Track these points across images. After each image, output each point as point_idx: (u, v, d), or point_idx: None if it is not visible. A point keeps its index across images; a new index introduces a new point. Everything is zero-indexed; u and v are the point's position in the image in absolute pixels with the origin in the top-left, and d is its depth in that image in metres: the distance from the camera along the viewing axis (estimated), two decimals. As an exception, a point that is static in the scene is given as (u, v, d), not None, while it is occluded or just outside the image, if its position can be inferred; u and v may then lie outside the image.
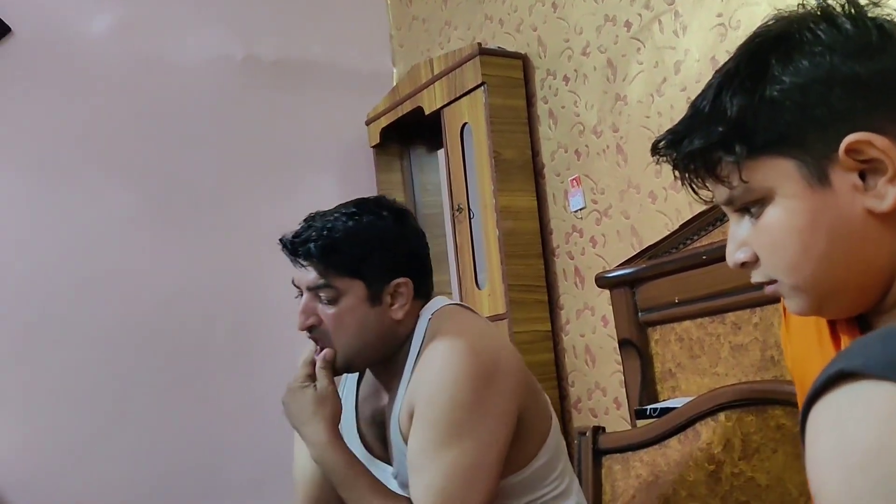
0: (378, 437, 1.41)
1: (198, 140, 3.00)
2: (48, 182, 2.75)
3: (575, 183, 2.61)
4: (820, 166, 0.71)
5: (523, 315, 2.62)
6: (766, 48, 0.74)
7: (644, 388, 2.00)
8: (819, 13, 0.73)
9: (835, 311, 0.79)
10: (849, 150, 0.70)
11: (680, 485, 1.44)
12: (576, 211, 2.62)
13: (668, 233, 2.12)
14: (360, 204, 1.38)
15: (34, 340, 2.64)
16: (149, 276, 2.83)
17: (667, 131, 0.79)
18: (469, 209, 2.79)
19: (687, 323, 1.95)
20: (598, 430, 1.63)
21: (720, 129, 0.73)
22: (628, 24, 2.42)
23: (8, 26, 2.74)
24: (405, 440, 1.30)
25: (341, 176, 3.27)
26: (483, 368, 1.25)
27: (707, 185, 0.78)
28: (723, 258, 1.91)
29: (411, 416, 1.27)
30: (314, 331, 1.33)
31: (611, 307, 2.16)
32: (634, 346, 2.03)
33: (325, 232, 1.31)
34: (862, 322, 0.80)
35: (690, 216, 2.10)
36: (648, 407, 1.81)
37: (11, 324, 2.62)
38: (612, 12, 2.47)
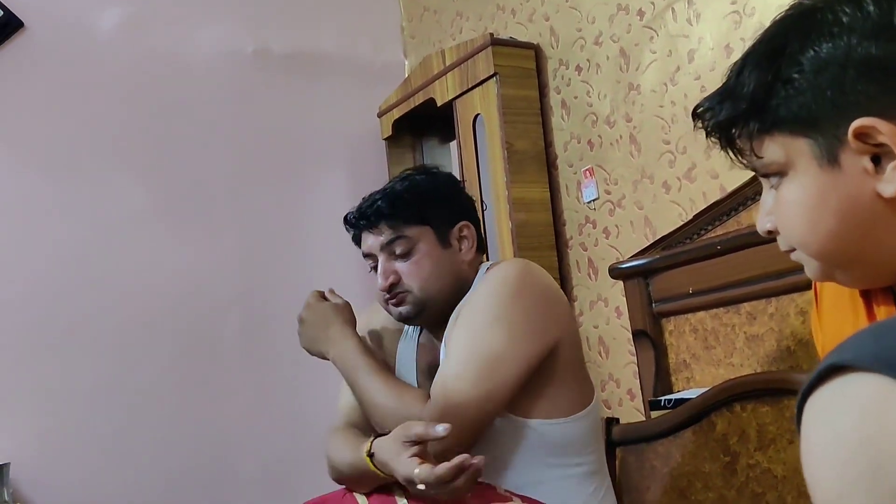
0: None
1: (209, 134, 3.00)
2: (60, 177, 2.75)
3: (588, 174, 2.60)
4: (831, 147, 0.72)
5: (536, 307, 2.61)
6: (788, 27, 0.76)
7: (658, 380, 1.98)
8: None
9: (849, 281, 0.81)
10: (857, 135, 0.71)
11: (695, 476, 1.43)
12: (589, 202, 2.60)
13: (682, 223, 2.11)
14: (411, 170, 1.51)
15: (46, 337, 2.65)
16: (161, 272, 2.83)
17: (705, 98, 0.83)
18: (482, 201, 2.78)
19: (701, 313, 1.94)
20: (611, 422, 1.63)
21: (740, 104, 0.77)
22: (641, 13, 2.40)
23: (21, 21, 2.74)
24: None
25: (353, 168, 3.27)
26: (532, 283, 1.34)
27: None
28: (737, 248, 1.90)
29: (457, 320, 1.36)
30: (393, 289, 1.41)
31: (624, 298, 2.15)
32: (648, 337, 2.02)
33: (385, 193, 1.43)
34: None
35: (704, 206, 2.08)
36: (663, 398, 1.80)
37: (25, 320, 2.63)
38: (624, 1, 2.45)
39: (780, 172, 0.77)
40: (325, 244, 2.94)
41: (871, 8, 0.71)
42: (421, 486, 1.15)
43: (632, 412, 2.39)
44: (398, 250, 1.41)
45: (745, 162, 0.82)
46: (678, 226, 2.11)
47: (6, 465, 2.33)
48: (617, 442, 1.60)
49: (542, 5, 2.77)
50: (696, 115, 0.84)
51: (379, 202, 1.42)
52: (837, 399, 0.48)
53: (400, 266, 1.41)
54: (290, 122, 3.15)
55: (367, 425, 1.42)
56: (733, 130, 0.78)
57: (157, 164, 2.90)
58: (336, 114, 3.24)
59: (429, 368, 1.47)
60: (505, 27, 2.92)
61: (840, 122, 0.71)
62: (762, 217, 0.83)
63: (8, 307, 2.61)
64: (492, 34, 2.75)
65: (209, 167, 2.98)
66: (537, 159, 2.71)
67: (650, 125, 2.38)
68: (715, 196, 2.11)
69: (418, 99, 3.05)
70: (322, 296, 1.51)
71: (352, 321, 1.47)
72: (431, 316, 1.44)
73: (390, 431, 1.25)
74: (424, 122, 3.24)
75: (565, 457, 1.35)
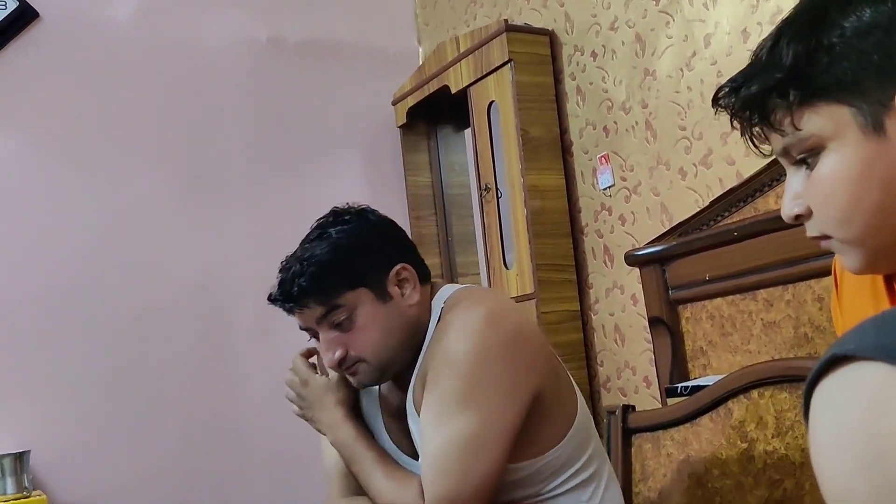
0: (405, 431, 1.38)
1: (223, 123, 3.01)
2: (76, 166, 2.77)
3: (603, 160, 2.58)
4: (875, 114, 0.70)
5: (552, 295, 2.61)
6: None
7: (675, 367, 1.98)
8: None
9: (888, 265, 0.78)
10: None
11: (712, 463, 1.43)
12: (604, 189, 2.59)
13: (699, 209, 2.09)
14: (321, 225, 1.35)
15: (64, 325, 2.68)
16: (177, 260, 2.85)
17: (727, 80, 0.79)
18: (497, 188, 2.77)
19: (718, 300, 1.93)
20: (627, 409, 1.62)
21: (777, 75, 0.73)
22: (657, -2, 2.38)
23: (36, 11, 2.76)
24: (419, 413, 1.29)
25: (368, 157, 3.27)
26: (498, 341, 1.22)
27: (765, 134, 0.78)
28: (754, 235, 1.89)
29: (424, 389, 1.26)
30: (343, 362, 1.30)
31: (640, 285, 2.14)
32: (665, 325, 2.01)
33: (305, 264, 1.28)
34: None
35: (721, 192, 2.07)
36: (679, 385, 1.79)
37: (43, 308, 2.66)
38: (640, -14, 2.43)
39: (818, 147, 0.73)
40: (339, 232, 2.94)
41: None
42: None
43: (648, 400, 2.38)
44: (336, 321, 1.28)
45: (767, 148, 0.80)
46: (694, 212, 2.10)
47: (26, 452, 2.36)
48: (633, 429, 1.59)
49: (556, -9, 2.75)
50: (719, 96, 0.80)
51: (301, 280, 1.27)
52: (841, 389, 0.48)
53: (344, 337, 1.28)
54: (304, 111, 3.15)
55: (360, 489, 1.37)
56: (770, 103, 0.74)
57: (173, 152, 2.91)
58: (350, 102, 3.24)
59: (396, 412, 1.39)
60: (519, 13, 2.90)
61: (886, 86, 0.69)
62: (789, 201, 0.78)
63: (26, 296, 2.64)
64: (506, 20, 2.74)
65: (224, 155, 2.99)
66: (552, 146, 2.70)
67: (666, 111, 2.36)
68: (731, 182, 2.09)
69: (433, 86, 3.05)
70: (307, 356, 1.39)
71: (347, 399, 1.36)
72: (398, 368, 1.34)
73: None
74: (439, 110, 3.23)
75: (560, 476, 1.31)
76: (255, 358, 2.90)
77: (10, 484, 2.30)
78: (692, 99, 2.27)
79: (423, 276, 1.36)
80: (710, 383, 1.50)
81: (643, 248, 2.13)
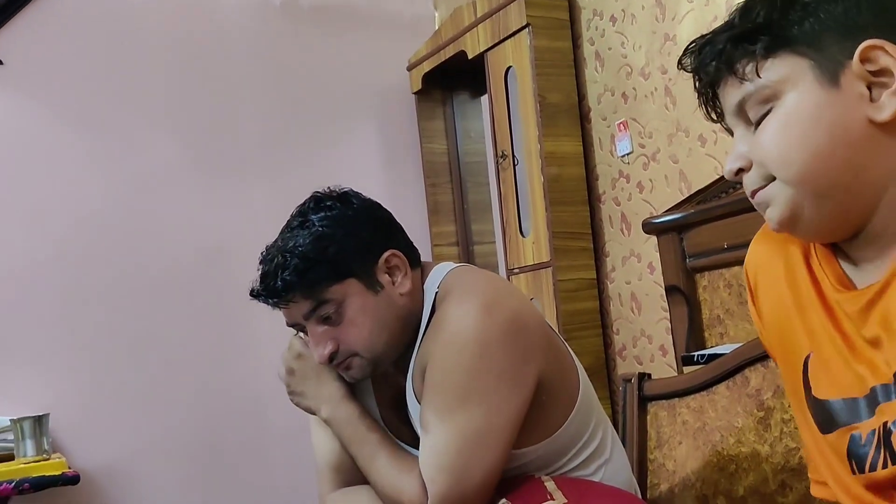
0: (403, 420, 1.33)
1: (237, 87, 2.99)
2: (92, 132, 2.77)
3: (622, 127, 2.55)
4: (833, 69, 0.75)
5: (568, 263, 2.59)
6: None
7: (691, 335, 1.96)
8: None
9: (814, 222, 0.80)
10: (863, 58, 0.74)
11: (727, 431, 1.42)
12: (623, 156, 2.56)
13: (718, 177, 2.07)
14: (302, 212, 1.28)
15: (83, 290, 2.69)
16: (193, 224, 2.86)
17: (695, 38, 0.85)
18: (513, 156, 2.74)
19: (736, 268, 1.91)
20: (643, 377, 1.61)
21: (748, 26, 0.79)
22: (678, -40, 2.33)
23: (50, -25, 2.74)
24: (420, 402, 1.23)
25: (383, 123, 3.25)
26: (495, 330, 1.16)
27: (720, 93, 0.82)
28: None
29: (423, 378, 1.21)
30: (334, 356, 1.24)
31: (657, 253, 2.12)
32: (682, 293, 2.00)
33: (288, 256, 1.21)
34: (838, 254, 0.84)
35: (742, 159, 2.04)
36: (696, 353, 1.78)
37: (62, 274, 2.67)
38: (661, -52, 2.38)
39: (774, 97, 0.78)
40: (355, 199, 2.93)
41: None
42: None
43: (664, 368, 2.37)
44: (325, 315, 1.21)
45: (713, 117, 0.84)
46: (714, 180, 2.07)
47: (45, 415, 2.39)
48: (649, 397, 1.59)
49: (575, -46, 2.70)
50: (687, 52, 0.84)
51: (285, 274, 1.20)
52: None
53: (334, 331, 1.22)
54: (318, 76, 3.13)
55: (354, 475, 1.31)
56: (736, 52, 0.78)
57: (188, 118, 2.90)
58: (365, 67, 3.21)
59: (392, 402, 1.34)
60: (537, -23, 2.85)
61: (847, 44, 0.74)
62: (733, 159, 0.82)
63: (45, 262, 2.65)
64: (524, -16, 2.69)
65: (238, 121, 2.98)
66: (570, 112, 2.67)
67: (686, 77, 2.31)
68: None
69: (449, 52, 3.01)
70: (304, 342, 1.32)
71: (342, 377, 1.30)
72: (393, 358, 1.28)
73: None
74: (455, 76, 3.19)
75: (566, 455, 1.27)
76: (271, 324, 2.89)
77: (29, 446, 2.33)
78: (713, 64, 2.23)
79: (413, 259, 1.29)
80: (727, 351, 1.49)
81: (661, 215, 2.10)
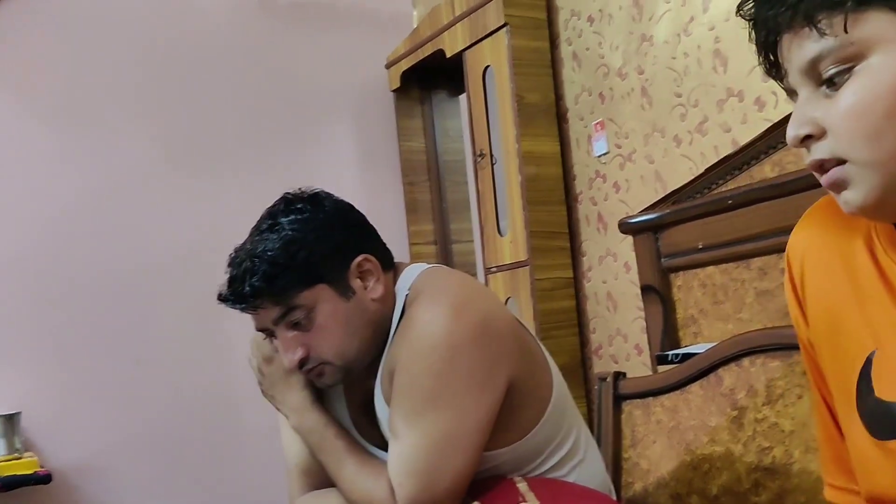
0: (373, 422, 1.30)
1: (214, 85, 2.97)
2: (66, 127, 2.74)
3: (599, 127, 2.56)
4: None
5: (545, 262, 2.60)
6: None
7: (666, 335, 1.98)
8: None
9: (893, 209, 0.72)
10: None
11: (701, 430, 1.43)
12: (599, 156, 2.57)
13: (693, 177, 2.08)
14: (272, 214, 1.24)
15: (54, 287, 2.66)
16: (166, 223, 2.83)
17: None
18: (491, 155, 2.75)
19: (711, 268, 1.92)
20: (618, 376, 1.62)
21: None
22: (656, -39, 2.35)
23: (23, -32, 2.70)
24: (389, 405, 1.22)
25: (361, 121, 3.24)
26: (465, 333, 1.14)
27: (788, 45, 0.72)
28: (749, 203, 1.88)
29: (391, 381, 1.19)
30: (305, 363, 1.21)
31: (633, 253, 2.13)
32: (657, 292, 2.01)
33: (257, 262, 1.17)
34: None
35: (716, 160, 2.06)
36: (670, 353, 1.79)
37: (33, 270, 2.64)
38: (639, -51, 2.39)
39: (857, 57, 0.68)
40: (332, 197, 2.92)
41: None
42: None
43: (639, 367, 2.39)
44: (295, 320, 1.18)
45: (779, 71, 0.74)
46: (689, 180, 2.09)
47: (17, 414, 2.36)
48: (624, 396, 1.60)
49: (554, -47, 2.71)
50: (746, 1, 0.74)
51: (254, 279, 1.16)
52: None
53: (304, 337, 1.19)
54: (295, 73, 3.11)
55: (323, 478, 1.30)
56: (820, 2, 0.68)
57: (164, 114, 2.88)
58: (343, 65, 3.20)
59: (362, 406, 1.31)
60: (516, -24, 2.86)
61: None
62: (799, 123, 0.72)
63: (16, 258, 2.62)
64: (502, -17, 2.70)
65: (215, 118, 2.96)
66: (548, 112, 2.67)
67: (662, 77, 2.34)
68: (727, 150, 2.08)
69: (427, 50, 3.01)
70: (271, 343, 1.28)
71: (311, 384, 1.27)
72: (364, 363, 1.25)
73: None
74: (433, 74, 3.19)
75: (540, 457, 1.26)
76: (243, 324, 2.89)
77: (1, 445, 2.31)
78: (689, 65, 2.25)
79: (386, 263, 1.27)
80: (701, 351, 1.50)
81: (637, 215, 2.12)
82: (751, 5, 0.74)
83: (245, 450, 2.85)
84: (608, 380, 1.60)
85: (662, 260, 2.02)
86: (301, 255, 1.18)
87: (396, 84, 3.20)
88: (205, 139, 2.94)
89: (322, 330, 1.19)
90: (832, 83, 0.70)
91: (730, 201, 1.84)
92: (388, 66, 3.24)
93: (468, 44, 2.80)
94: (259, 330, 1.26)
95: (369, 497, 1.18)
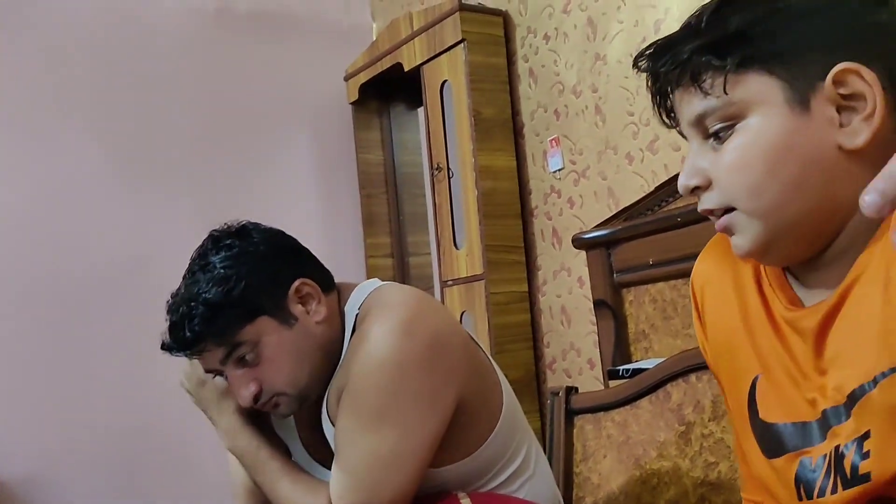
0: (323, 442, 1.30)
1: (169, 93, 2.94)
2: (9, 133, 2.69)
3: (554, 143, 2.60)
4: (804, 91, 0.71)
5: (500, 276, 2.62)
6: None
7: (617, 349, 2.01)
8: None
9: (782, 250, 0.76)
10: (836, 80, 0.70)
11: (650, 445, 1.45)
12: (554, 171, 2.60)
13: (645, 194, 2.12)
14: (202, 254, 1.23)
15: None
16: (114, 234, 2.79)
17: (656, 40, 0.78)
18: (448, 168, 2.77)
19: (661, 284, 1.96)
20: (570, 391, 1.64)
21: (719, 35, 0.73)
22: (610, -18, 2.39)
23: (-26, -26, 2.66)
24: (333, 423, 1.22)
25: (319, 133, 3.23)
26: (414, 351, 1.13)
27: (679, 99, 0.77)
28: (697, 220, 1.91)
29: (339, 401, 1.19)
30: (259, 398, 1.20)
31: (587, 268, 2.16)
32: (609, 307, 2.04)
33: (193, 305, 1.17)
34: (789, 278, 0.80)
35: (666, 178, 2.10)
36: (621, 367, 1.82)
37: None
38: (593, -31, 2.44)
39: (739, 116, 0.73)
40: (286, 209, 2.91)
41: None
42: None
43: (592, 381, 2.42)
44: (241, 356, 1.18)
45: (672, 121, 0.79)
46: (640, 197, 2.13)
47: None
48: (576, 410, 1.61)
49: (511, -29, 2.74)
50: (646, 54, 0.78)
51: (193, 323, 1.16)
52: None
53: (254, 372, 1.18)
54: (253, 83, 3.10)
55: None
56: (703, 64, 0.73)
57: (114, 122, 2.84)
58: (301, 76, 3.19)
59: (311, 424, 1.31)
60: (474, -8, 2.89)
61: (820, 66, 0.71)
62: (690, 173, 0.76)
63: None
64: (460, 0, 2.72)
65: (168, 127, 2.93)
66: (504, 127, 2.70)
67: (615, 96, 2.38)
68: (676, 168, 2.12)
69: (385, 63, 3.02)
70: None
71: (242, 407, 1.25)
72: (318, 390, 1.25)
73: None
74: (392, 87, 3.20)
75: (489, 473, 1.26)
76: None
77: (-56, 461, 2.25)
78: (641, 85, 2.28)
79: (326, 284, 1.25)
80: (651, 366, 1.53)
81: (590, 231, 2.15)
82: (644, 60, 0.78)
83: (193, 462, 2.81)
84: (560, 394, 1.62)
85: (615, 275, 2.05)
86: (236, 292, 1.16)
87: (355, 96, 3.21)
88: (157, 149, 2.90)
89: (271, 362, 1.18)
90: (718, 137, 0.74)
91: (679, 219, 1.88)
92: (346, 79, 3.24)
93: (426, 58, 2.81)
94: (207, 371, 1.24)
95: None
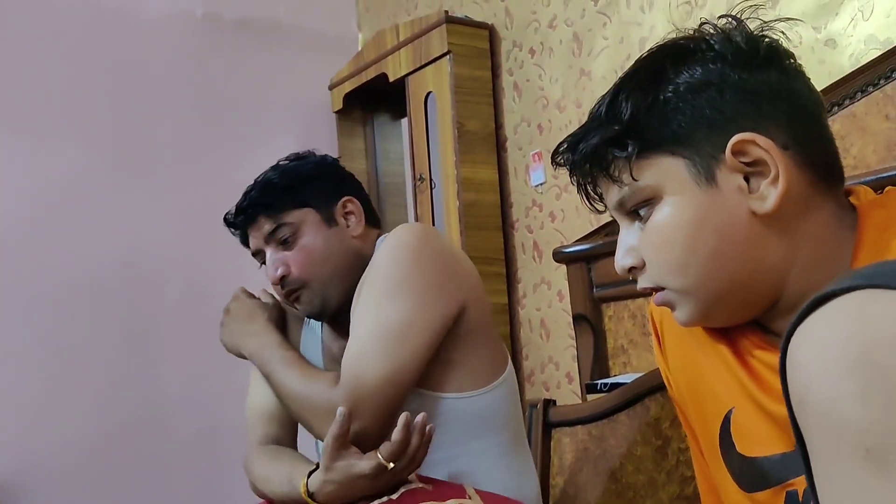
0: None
1: (155, 98, 2.93)
2: (2, 137, 2.67)
3: (537, 157, 2.61)
4: (708, 166, 0.73)
5: (481, 287, 2.63)
6: (664, 55, 0.77)
7: (596, 363, 2.01)
8: (715, 30, 0.77)
9: (723, 316, 0.78)
10: (735, 151, 0.72)
11: (627, 459, 1.46)
12: (536, 185, 2.62)
13: (627, 210, 2.13)
14: (284, 159, 1.44)
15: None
16: (102, 233, 2.78)
17: (566, 137, 0.81)
18: (431, 179, 2.77)
19: (640, 300, 1.97)
20: (549, 403, 1.64)
21: (615, 127, 0.75)
22: (596, -1, 2.41)
23: (-42, -29, 2.64)
24: None
25: (302, 141, 3.21)
26: (430, 246, 1.26)
27: (601, 188, 0.79)
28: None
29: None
30: (286, 282, 1.33)
31: (567, 282, 2.17)
32: (588, 322, 2.05)
33: (258, 184, 1.38)
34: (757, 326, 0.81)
35: (649, 194, 2.11)
36: (599, 381, 1.83)
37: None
38: (580, -14, 2.46)
39: (654, 198, 0.75)
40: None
41: (740, 40, 0.75)
42: (391, 465, 1.11)
43: (569, 395, 2.42)
44: (282, 238, 1.34)
45: (601, 205, 0.81)
46: (622, 212, 2.14)
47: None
48: (553, 423, 1.62)
49: (498, -15, 2.76)
50: (559, 152, 0.81)
51: (252, 194, 1.37)
52: (821, 317, 0.49)
53: (288, 255, 1.33)
54: (238, 90, 3.09)
55: (284, 433, 1.39)
56: (609, 155, 0.76)
57: (102, 126, 2.83)
58: (286, 84, 3.19)
59: (340, 353, 1.34)
60: (460, 5, 2.90)
61: (718, 139, 0.72)
62: (623, 254, 0.79)
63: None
64: (447, 12, 2.74)
65: (153, 131, 2.92)
66: (487, 140, 2.71)
67: (600, 111, 2.39)
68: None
69: (370, 73, 3.03)
70: (249, 293, 1.44)
71: (276, 319, 1.39)
72: (335, 306, 1.35)
73: (312, 431, 1.24)
74: (376, 97, 3.21)
75: (482, 432, 1.29)
76: (180, 335, 2.85)
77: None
78: (625, 101, 2.31)
79: (372, 218, 1.42)
80: (629, 381, 1.54)
81: (570, 245, 2.16)
82: (560, 156, 0.82)
83: (176, 465, 2.79)
84: (538, 407, 1.62)
85: (595, 290, 2.06)
86: (295, 182, 1.36)
87: (339, 105, 3.21)
88: (143, 151, 2.89)
89: (304, 249, 1.33)
90: (640, 216, 0.77)
91: (660, 235, 1.89)
92: (331, 88, 3.25)
93: (411, 69, 2.82)
94: (253, 253, 1.39)
95: (310, 392, 1.22)
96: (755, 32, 0.76)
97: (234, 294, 1.44)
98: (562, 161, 0.81)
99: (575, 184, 0.82)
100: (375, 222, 1.43)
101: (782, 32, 0.77)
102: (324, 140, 3.24)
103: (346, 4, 3.42)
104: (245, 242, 1.40)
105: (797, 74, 0.76)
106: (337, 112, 3.24)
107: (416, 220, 2.83)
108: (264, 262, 1.37)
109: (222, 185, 2.99)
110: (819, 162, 0.74)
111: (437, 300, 1.23)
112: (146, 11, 2.94)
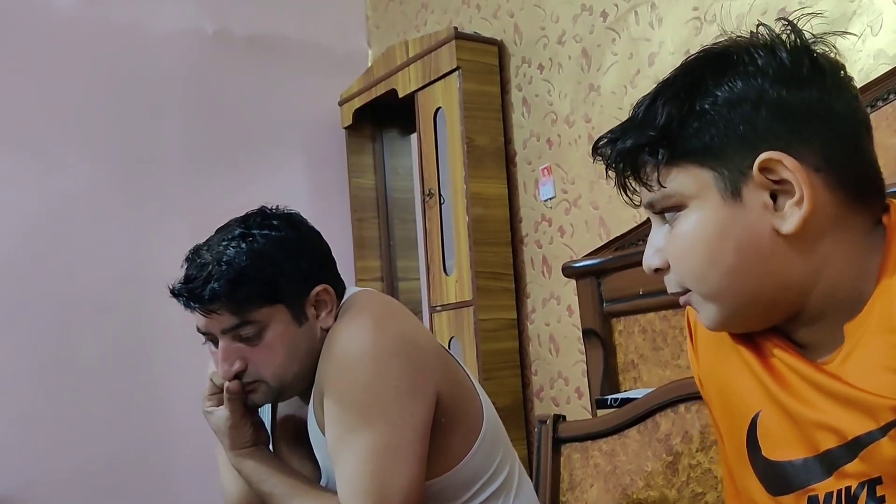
0: (304, 455, 1.29)
1: (165, 113, 2.95)
2: (9, 150, 2.69)
3: (546, 172, 2.61)
4: (735, 181, 0.74)
5: (489, 302, 2.62)
6: (704, 64, 0.77)
7: (606, 379, 2.00)
8: (762, 40, 0.76)
9: (744, 324, 0.80)
10: (762, 168, 0.72)
11: (637, 475, 1.45)
12: (546, 200, 2.62)
13: (636, 224, 2.13)
14: (246, 222, 1.23)
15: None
16: (109, 251, 2.78)
17: (607, 131, 0.82)
18: (440, 195, 2.78)
19: (651, 315, 1.96)
20: (558, 419, 1.64)
21: (650, 133, 0.76)
22: (604, 14, 2.42)
23: (-27, -11, 2.67)
24: (323, 431, 1.20)
25: (312, 156, 3.24)
26: (387, 343, 1.14)
27: (633, 186, 0.81)
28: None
29: (322, 404, 1.18)
30: (241, 376, 1.20)
31: (576, 297, 2.17)
32: (598, 337, 2.04)
33: (223, 266, 1.16)
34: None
35: (658, 209, 2.11)
36: (609, 397, 1.82)
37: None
38: (588, 2, 2.47)
39: (680, 205, 0.76)
40: (279, 231, 2.91)
41: (784, 55, 0.74)
42: None
43: (579, 410, 2.41)
44: (244, 334, 1.17)
45: (638, 198, 0.82)
46: (631, 227, 2.14)
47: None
48: (563, 439, 1.61)
49: (507, 2, 2.77)
50: (599, 146, 0.82)
51: (214, 283, 1.14)
52: None
53: (246, 350, 1.18)
54: (248, 106, 3.11)
55: None
56: (640, 159, 0.77)
57: (111, 141, 2.84)
58: (296, 100, 3.21)
59: (295, 435, 1.30)
60: (470, 21, 2.92)
61: (747, 155, 0.73)
62: (650, 254, 0.80)
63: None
64: (456, 28, 2.75)
65: (163, 146, 2.93)
66: (496, 155, 2.72)
67: (608, 126, 2.37)
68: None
69: (380, 89, 3.04)
70: (219, 394, 1.26)
71: (258, 438, 1.26)
72: (298, 390, 1.25)
73: None
74: (385, 113, 3.22)
75: (471, 489, 1.25)
76: (184, 354, 2.83)
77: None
78: (634, 116, 2.31)
79: (340, 294, 1.26)
80: (639, 396, 1.53)
81: (580, 260, 2.15)
82: (599, 149, 0.82)
83: (180, 486, 2.78)
84: (548, 422, 1.61)
85: (604, 305, 2.06)
86: (268, 272, 1.17)
87: (349, 121, 3.22)
88: (154, 167, 2.91)
89: (267, 349, 1.18)
90: (668, 218, 0.79)
91: (670, 250, 1.89)
92: (341, 104, 3.26)
93: (421, 85, 2.83)
94: (202, 332, 1.23)
95: None
96: (802, 44, 0.75)
97: (209, 400, 1.30)
98: (601, 155, 0.82)
99: (611, 177, 0.82)
100: (342, 295, 1.27)
101: (834, 47, 0.77)
102: (333, 156, 3.25)
103: (355, 21, 3.45)
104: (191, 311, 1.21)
105: (841, 93, 0.75)
106: (346, 128, 3.26)
107: (426, 235, 2.83)
108: (212, 342, 1.22)
109: (231, 203, 2.98)
110: (853, 182, 0.75)
111: (412, 408, 1.13)
112: (157, 28, 2.97)
